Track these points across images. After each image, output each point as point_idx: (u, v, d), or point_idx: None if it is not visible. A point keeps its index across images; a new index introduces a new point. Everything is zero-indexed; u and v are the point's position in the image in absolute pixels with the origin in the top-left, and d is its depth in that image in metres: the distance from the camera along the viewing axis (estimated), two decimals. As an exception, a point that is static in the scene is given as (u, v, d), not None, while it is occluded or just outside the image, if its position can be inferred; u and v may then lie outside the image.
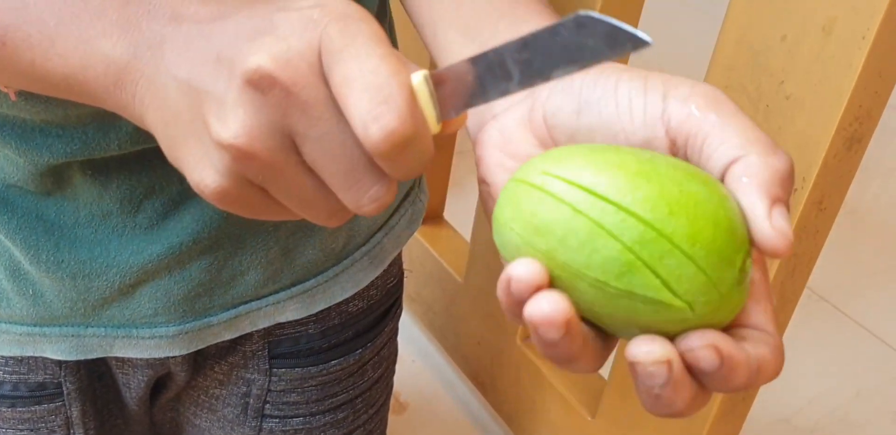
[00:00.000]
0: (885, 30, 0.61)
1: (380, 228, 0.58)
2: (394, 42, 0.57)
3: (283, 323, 0.57)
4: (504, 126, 0.36)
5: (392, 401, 1.35)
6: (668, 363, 0.28)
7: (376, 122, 0.28)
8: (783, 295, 0.76)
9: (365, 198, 0.30)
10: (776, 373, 0.30)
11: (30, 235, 0.46)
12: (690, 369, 0.29)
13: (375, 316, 0.62)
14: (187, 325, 0.52)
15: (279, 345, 0.59)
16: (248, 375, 0.60)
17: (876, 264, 1.69)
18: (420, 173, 0.30)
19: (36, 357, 0.53)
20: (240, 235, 0.50)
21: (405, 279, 1.65)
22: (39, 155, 0.43)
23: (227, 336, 0.54)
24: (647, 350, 0.28)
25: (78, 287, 0.48)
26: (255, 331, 0.57)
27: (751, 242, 0.29)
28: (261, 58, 0.28)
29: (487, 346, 1.25)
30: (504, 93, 0.30)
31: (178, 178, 0.47)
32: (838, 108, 0.64)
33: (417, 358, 1.41)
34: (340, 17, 0.29)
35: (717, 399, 0.84)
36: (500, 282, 0.29)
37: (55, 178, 0.45)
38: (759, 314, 0.31)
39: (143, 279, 0.49)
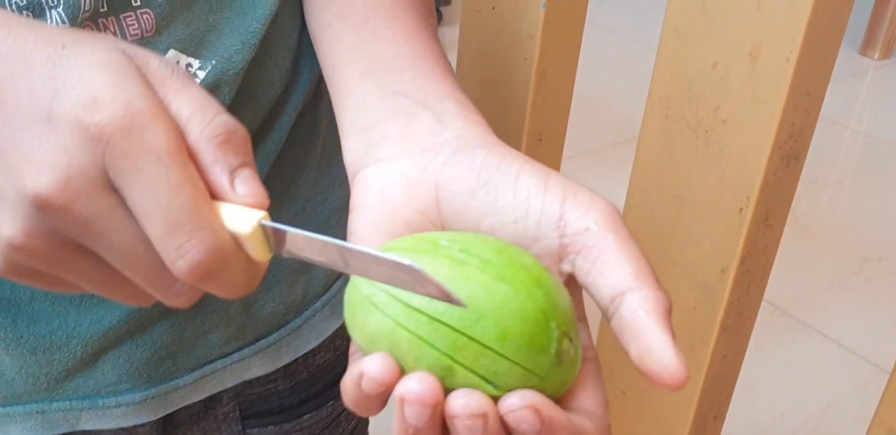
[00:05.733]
0: (807, 51, 0.63)
1: (338, 277, 0.58)
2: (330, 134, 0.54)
3: (252, 382, 0.57)
4: (387, 181, 0.34)
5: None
6: (484, 417, 0.28)
7: (182, 259, 0.28)
8: (740, 313, 0.78)
9: (171, 293, 0.30)
10: None
11: None
12: (510, 432, 0.29)
13: (345, 366, 0.62)
14: (153, 389, 0.51)
15: (250, 405, 0.58)
16: (222, 439, 0.59)
17: (833, 275, 1.72)
18: (243, 294, 0.30)
19: (1, 438, 0.52)
20: (198, 296, 0.49)
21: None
22: None
23: (195, 398, 0.54)
24: (463, 403, 0.28)
25: (39, 362, 0.48)
26: (225, 393, 0.56)
27: (571, 317, 0.31)
28: (40, 182, 0.27)
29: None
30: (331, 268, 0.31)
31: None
32: (772, 128, 0.67)
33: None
34: (122, 129, 0.27)
35: (688, 419, 0.84)
36: (351, 377, 0.30)
37: None
38: (588, 398, 0.32)
39: (105, 347, 0.48)
